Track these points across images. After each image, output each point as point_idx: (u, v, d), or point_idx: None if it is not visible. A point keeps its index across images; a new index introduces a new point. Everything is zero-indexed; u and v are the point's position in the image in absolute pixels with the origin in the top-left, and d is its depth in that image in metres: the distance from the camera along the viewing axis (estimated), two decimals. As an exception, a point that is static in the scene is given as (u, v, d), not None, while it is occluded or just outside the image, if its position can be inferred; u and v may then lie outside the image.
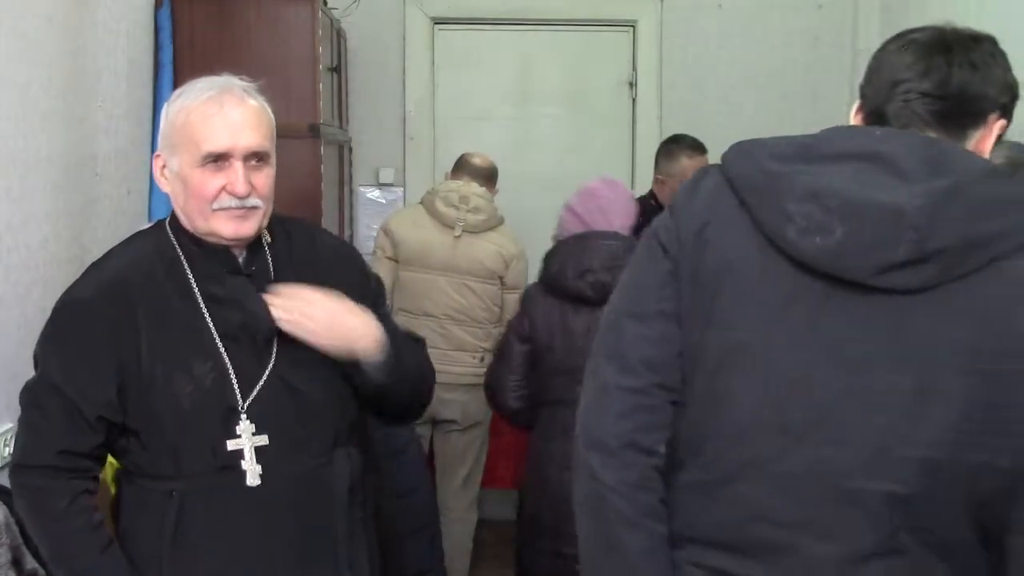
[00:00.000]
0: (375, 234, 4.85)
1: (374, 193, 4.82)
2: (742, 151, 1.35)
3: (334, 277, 1.83)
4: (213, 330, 1.73)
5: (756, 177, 1.29)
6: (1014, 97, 1.35)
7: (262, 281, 1.77)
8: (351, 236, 4.71)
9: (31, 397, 1.73)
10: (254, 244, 1.80)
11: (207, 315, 1.73)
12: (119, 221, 2.79)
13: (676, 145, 3.82)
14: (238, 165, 1.70)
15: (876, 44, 1.49)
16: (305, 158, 3.27)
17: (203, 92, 1.72)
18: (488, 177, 3.85)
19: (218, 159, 1.70)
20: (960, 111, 1.31)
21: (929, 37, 1.34)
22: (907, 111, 1.32)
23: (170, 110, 1.75)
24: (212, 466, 1.70)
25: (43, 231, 2.29)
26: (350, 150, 4.55)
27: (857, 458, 1.21)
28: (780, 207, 1.24)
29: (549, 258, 2.94)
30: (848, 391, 1.22)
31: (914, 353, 1.20)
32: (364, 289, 1.89)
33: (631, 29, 4.82)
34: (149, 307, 1.72)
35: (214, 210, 1.71)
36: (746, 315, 1.28)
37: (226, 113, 1.70)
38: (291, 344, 1.75)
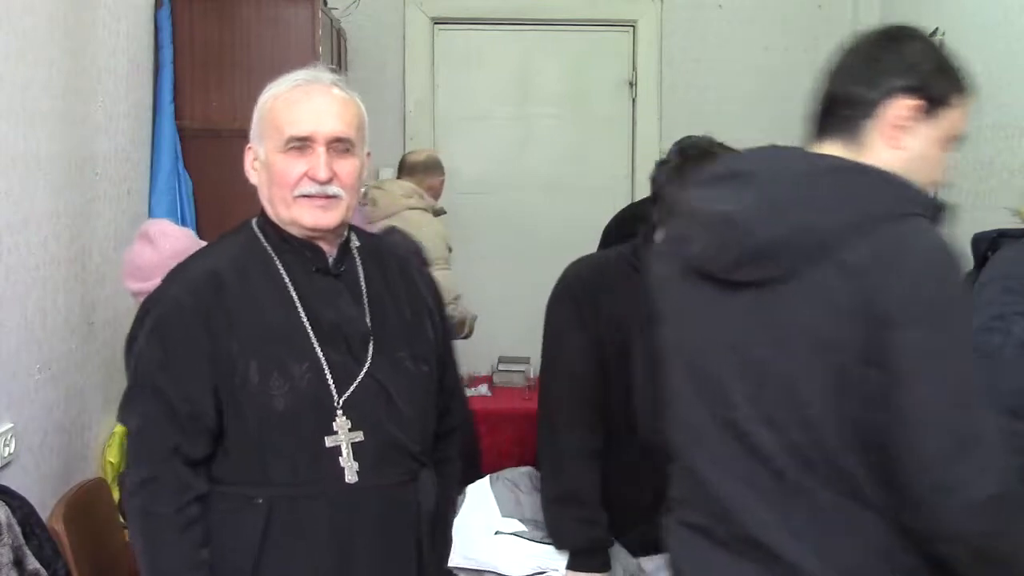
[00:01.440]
0: (375, 234, 4.89)
1: (374, 193, 4.83)
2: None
3: (416, 305, 1.83)
4: (309, 329, 1.70)
5: (674, 201, 1.62)
6: (922, 75, 1.42)
7: (352, 283, 1.76)
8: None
9: (132, 404, 1.69)
10: (343, 245, 1.78)
11: (302, 314, 1.70)
12: (119, 221, 2.79)
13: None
14: (320, 150, 1.67)
15: None
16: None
17: (292, 80, 1.73)
18: (412, 171, 4.09)
19: (302, 144, 1.68)
20: (831, 112, 1.45)
21: (845, 45, 1.49)
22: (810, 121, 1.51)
23: (260, 101, 1.75)
24: (306, 468, 1.66)
25: (43, 231, 2.29)
26: (350, 150, 4.55)
27: (753, 419, 1.39)
28: (675, 223, 1.55)
29: None
30: (734, 369, 1.41)
31: (775, 332, 1.37)
32: (439, 334, 1.87)
33: (631, 29, 4.82)
34: (242, 305, 1.68)
35: (295, 197, 1.68)
36: (669, 314, 1.55)
37: (312, 99, 1.71)
38: (387, 350, 1.74)
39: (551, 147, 4.86)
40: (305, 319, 1.70)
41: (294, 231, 1.72)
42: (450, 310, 3.78)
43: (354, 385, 1.70)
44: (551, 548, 2.24)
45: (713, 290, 1.43)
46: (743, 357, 1.39)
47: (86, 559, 2.12)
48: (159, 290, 1.73)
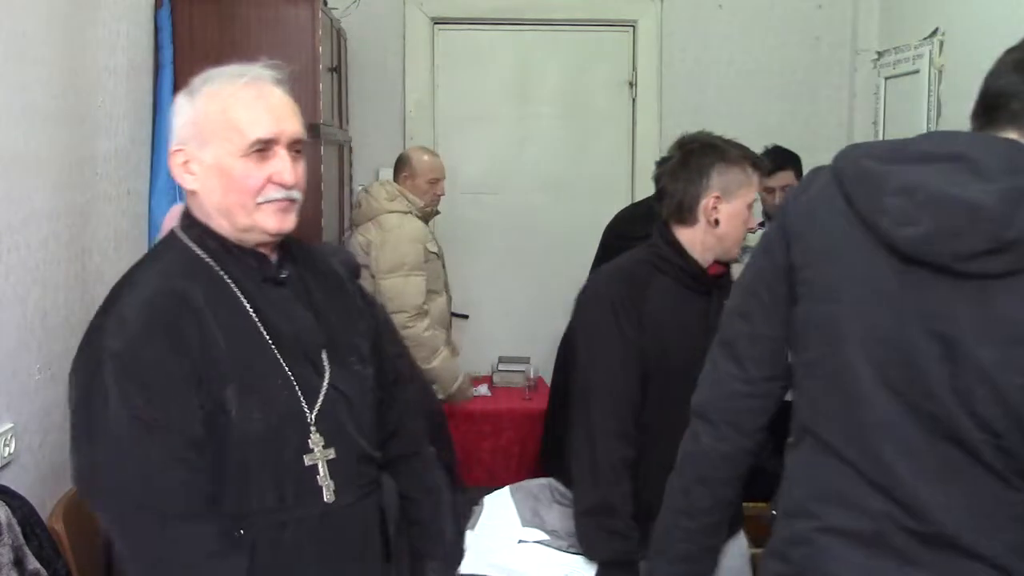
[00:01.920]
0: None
1: (374, 193, 4.82)
2: (846, 152, 1.51)
3: (347, 302, 1.78)
4: (270, 343, 1.60)
5: (854, 172, 1.46)
6: None
7: (299, 290, 1.68)
8: (351, 236, 4.71)
9: (120, 445, 1.49)
10: (281, 248, 1.68)
11: (261, 327, 1.60)
12: (119, 221, 2.80)
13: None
14: (283, 153, 1.59)
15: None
16: (305, 158, 3.26)
17: (235, 78, 1.60)
18: (396, 170, 4.06)
19: (264, 147, 1.57)
20: (1002, 106, 1.42)
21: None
22: (1006, 113, 1.44)
23: (196, 100, 1.60)
24: (291, 491, 1.58)
25: (43, 231, 2.29)
26: (350, 150, 4.55)
27: (952, 415, 1.36)
28: (876, 200, 1.41)
29: None
30: (939, 361, 1.36)
31: (996, 329, 1.33)
32: (369, 323, 1.81)
33: (631, 29, 4.82)
34: (202, 326, 1.54)
35: (259, 204, 1.58)
36: (849, 292, 1.45)
37: (266, 98, 1.59)
38: (339, 357, 1.68)
39: (551, 147, 4.86)
40: (265, 333, 1.60)
41: (248, 238, 1.62)
42: (414, 332, 3.76)
43: (320, 398, 1.63)
44: (578, 557, 2.23)
45: (925, 276, 1.37)
46: (953, 349, 1.35)
47: (86, 559, 2.12)
48: (98, 336, 1.52)
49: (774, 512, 1.63)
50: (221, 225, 1.61)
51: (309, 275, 1.72)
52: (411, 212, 3.94)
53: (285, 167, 1.59)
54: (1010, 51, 1.45)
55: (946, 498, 1.37)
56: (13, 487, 1.98)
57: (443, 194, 4.09)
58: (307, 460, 1.60)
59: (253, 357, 1.58)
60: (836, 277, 1.46)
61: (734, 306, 1.64)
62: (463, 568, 2.07)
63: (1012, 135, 1.41)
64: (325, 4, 3.63)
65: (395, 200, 3.93)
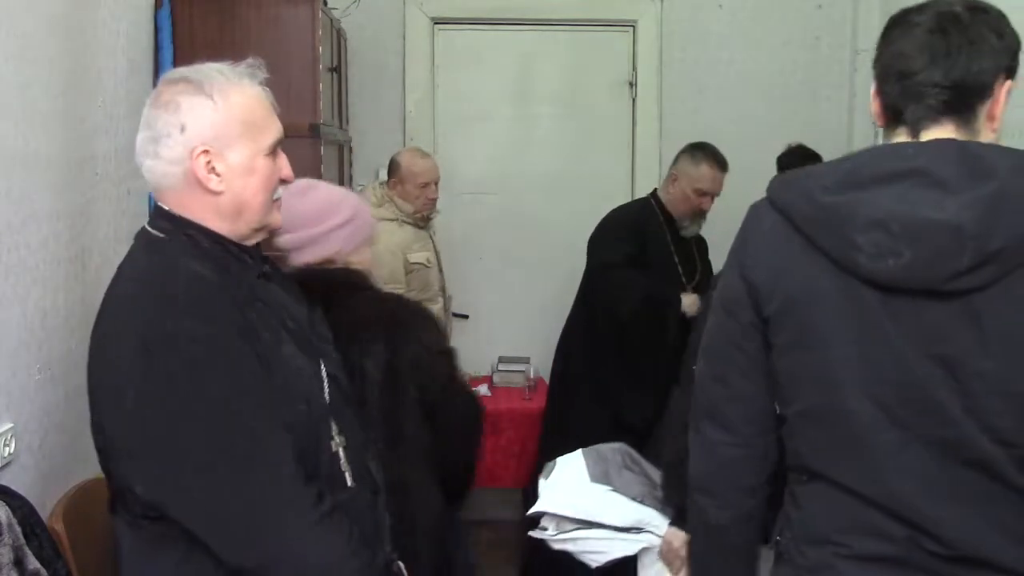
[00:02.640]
0: (375, 234, 4.87)
1: (374, 193, 4.82)
2: (787, 184, 1.47)
3: (293, 286, 1.81)
4: (287, 335, 1.62)
5: (810, 210, 1.41)
6: (1015, 54, 1.42)
7: (286, 285, 1.73)
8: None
9: (232, 438, 1.48)
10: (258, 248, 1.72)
11: (277, 321, 1.62)
12: (119, 221, 2.79)
13: (704, 153, 3.73)
14: (280, 151, 1.66)
15: (876, 44, 1.51)
16: (305, 158, 3.26)
17: (242, 76, 1.63)
18: (388, 173, 4.00)
19: (276, 146, 1.65)
20: (966, 94, 1.40)
21: (927, 20, 1.41)
22: (922, 107, 1.41)
23: (216, 100, 1.59)
24: (323, 477, 1.60)
25: (43, 231, 2.28)
26: (350, 150, 4.55)
27: (967, 435, 1.35)
28: (846, 237, 1.36)
29: None
30: (945, 384, 1.35)
31: (992, 340, 1.33)
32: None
33: (631, 29, 4.82)
34: (239, 320, 1.54)
35: (273, 200, 1.65)
36: (837, 335, 1.40)
37: (268, 99, 1.66)
38: (325, 347, 1.72)
39: (551, 147, 4.86)
40: (281, 324, 1.63)
41: (251, 237, 1.65)
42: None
43: (327, 386, 1.67)
44: (650, 510, 2.32)
45: (909, 301, 1.35)
46: (955, 369, 1.34)
47: (86, 559, 2.12)
48: (161, 322, 1.48)
49: (778, 538, 1.58)
50: (219, 225, 1.61)
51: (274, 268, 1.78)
52: (397, 219, 3.83)
53: (285, 164, 1.66)
54: (906, 26, 1.41)
55: (966, 519, 1.36)
56: (13, 487, 1.98)
57: (436, 197, 3.94)
58: (332, 447, 1.64)
59: (281, 347, 1.60)
60: (819, 323, 1.42)
61: (705, 372, 1.58)
62: (539, 507, 2.11)
63: (948, 127, 1.40)
64: (325, 4, 3.63)
65: (383, 206, 3.82)
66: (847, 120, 4.74)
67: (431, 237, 4.03)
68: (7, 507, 1.87)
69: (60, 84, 2.38)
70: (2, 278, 2.09)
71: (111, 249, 2.71)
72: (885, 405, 1.38)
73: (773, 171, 3.45)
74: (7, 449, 2.07)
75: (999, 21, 1.41)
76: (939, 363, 1.34)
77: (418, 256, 3.85)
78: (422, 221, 3.93)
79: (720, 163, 3.68)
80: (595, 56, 4.84)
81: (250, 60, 1.66)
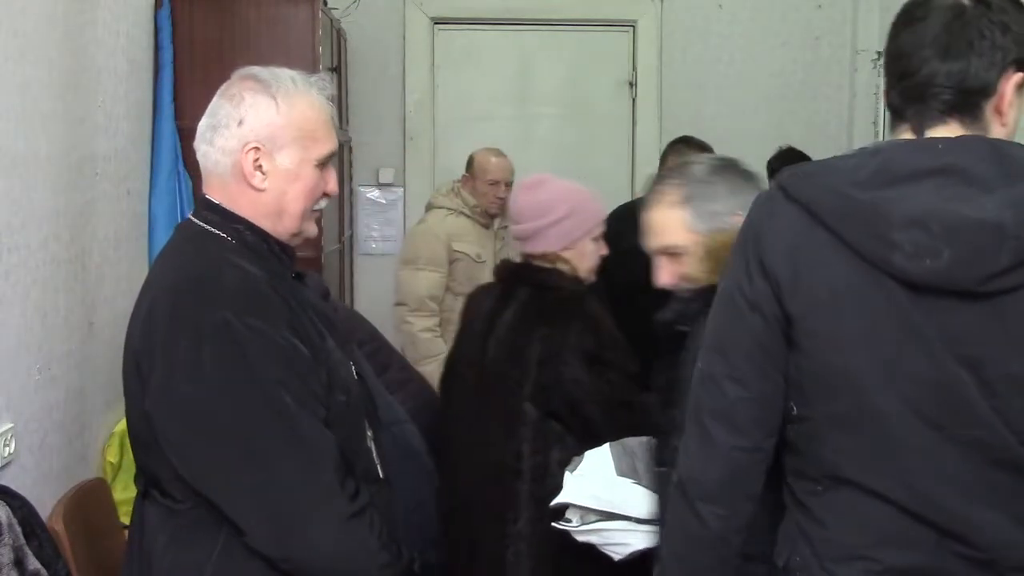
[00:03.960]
0: (374, 234, 4.87)
1: (374, 193, 4.83)
2: (808, 177, 1.41)
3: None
4: (324, 331, 1.67)
5: (841, 205, 1.36)
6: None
7: (314, 284, 1.78)
8: (351, 236, 4.71)
9: (284, 423, 1.52)
10: None
11: (315, 318, 1.67)
12: (119, 221, 2.79)
13: (687, 146, 3.73)
14: (331, 166, 1.69)
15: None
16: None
17: (311, 87, 1.67)
18: (466, 168, 4.03)
19: (328, 160, 1.67)
20: (968, 93, 1.37)
21: (929, 17, 1.38)
22: (925, 108, 1.39)
23: (279, 102, 1.63)
24: (360, 469, 1.63)
25: (43, 231, 2.28)
26: (350, 150, 4.55)
27: (999, 437, 1.33)
28: (882, 235, 1.32)
29: None
30: (975, 385, 1.32)
31: (1020, 342, 1.31)
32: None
33: (631, 29, 4.83)
34: (287, 314, 1.59)
35: (312, 211, 1.68)
36: (867, 337, 1.36)
37: (329, 112, 1.68)
38: (347, 344, 1.77)
39: (551, 147, 4.86)
40: (318, 321, 1.68)
41: (289, 242, 1.69)
42: (408, 329, 3.78)
43: (355, 380, 1.73)
44: None
45: (938, 301, 1.32)
46: (983, 371, 1.32)
47: (86, 559, 2.12)
48: (211, 309, 1.52)
49: (791, 557, 1.50)
50: (262, 222, 1.66)
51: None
52: (456, 210, 3.89)
53: (333, 180, 1.69)
54: (908, 23, 1.39)
55: (998, 521, 1.34)
56: (13, 487, 1.98)
57: (505, 197, 3.83)
58: (367, 440, 1.70)
59: (323, 342, 1.64)
60: (847, 321, 1.37)
61: (715, 370, 1.47)
62: (563, 498, 2.12)
63: (954, 127, 1.38)
64: (325, 4, 3.63)
65: (447, 196, 3.93)
66: (847, 120, 4.74)
67: (494, 236, 3.99)
68: (7, 507, 1.87)
69: (60, 84, 2.38)
70: (2, 278, 2.09)
71: (111, 249, 2.71)
72: (917, 406, 1.34)
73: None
74: (7, 449, 2.07)
75: (1005, 13, 1.37)
76: (968, 364, 1.32)
77: (465, 247, 3.86)
78: (483, 217, 3.93)
79: (704, 151, 3.69)
80: (595, 56, 4.84)
81: (321, 74, 1.73)
